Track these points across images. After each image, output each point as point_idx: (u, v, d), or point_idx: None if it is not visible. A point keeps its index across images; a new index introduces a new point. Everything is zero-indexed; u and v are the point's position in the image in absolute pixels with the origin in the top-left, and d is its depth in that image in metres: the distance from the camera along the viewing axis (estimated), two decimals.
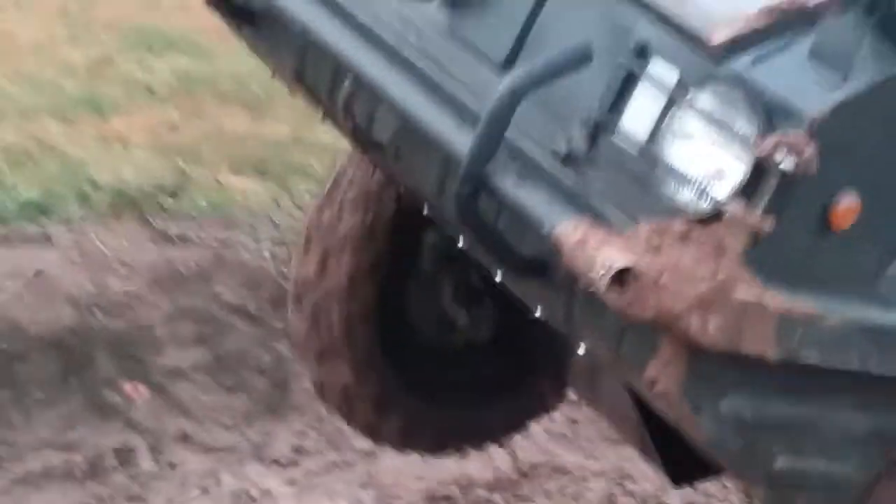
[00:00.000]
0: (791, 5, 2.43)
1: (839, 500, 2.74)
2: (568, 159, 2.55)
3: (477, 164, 2.50)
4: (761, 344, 2.42)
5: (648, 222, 2.37)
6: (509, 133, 2.54)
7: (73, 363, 4.71)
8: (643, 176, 2.45)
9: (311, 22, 2.92)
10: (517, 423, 4.07)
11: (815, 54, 2.39)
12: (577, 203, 2.49)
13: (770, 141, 2.31)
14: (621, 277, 2.31)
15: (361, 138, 3.03)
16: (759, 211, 2.34)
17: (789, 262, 2.43)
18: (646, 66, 2.51)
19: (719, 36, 2.42)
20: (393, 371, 3.79)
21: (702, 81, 2.42)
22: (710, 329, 2.36)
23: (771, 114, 2.34)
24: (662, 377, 2.46)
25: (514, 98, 2.49)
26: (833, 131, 2.34)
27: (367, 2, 2.92)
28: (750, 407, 2.54)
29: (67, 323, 4.77)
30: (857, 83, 2.38)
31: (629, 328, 2.46)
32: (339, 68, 2.92)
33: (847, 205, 2.42)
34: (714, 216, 2.34)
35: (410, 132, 2.73)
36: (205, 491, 4.47)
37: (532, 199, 2.49)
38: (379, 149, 2.96)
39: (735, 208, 2.33)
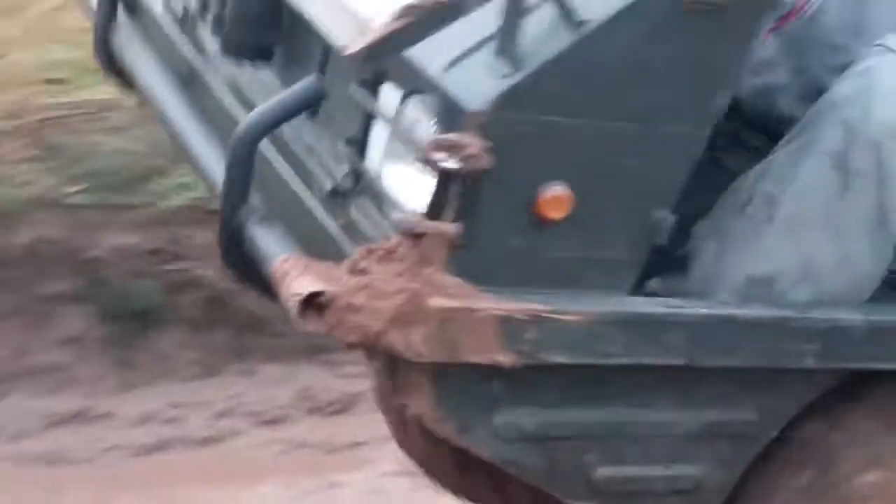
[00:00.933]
0: (426, 1, 2.21)
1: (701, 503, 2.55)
2: (331, 194, 2.45)
3: (227, 214, 2.45)
4: (486, 351, 2.25)
5: (361, 247, 2.26)
6: (283, 173, 2.51)
7: None
8: (377, 203, 2.37)
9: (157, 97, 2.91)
10: None
11: (498, 49, 2.21)
12: (323, 238, 2.40)
13: (432, 144, 2.19)
14: (319, 304, 2.21)
15: None
16: (447, 218, 2.22)
17: (507, 262, 2.28)
18: (376, 94, 2.41)
19: (356, 45, 2.23)
20: None
21: (406, 96, 2.32)
22: (415, 343, 2.21)
23: (445, 117, 2.22)
24: (415, 400, 2.31)
25: (249, 144, 2.43)
26: (505, 124, 2.19)
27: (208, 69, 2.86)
28: (535, 419, 2.36)
29: None
30: (525, 70, 2.19)
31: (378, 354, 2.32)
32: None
33: (553, 195, 2.24)
34: (412, 231, 2.23)
35: None
36: None
37: (266, 241, 2.40)
38: None
39: (425, 219, 2.23)
